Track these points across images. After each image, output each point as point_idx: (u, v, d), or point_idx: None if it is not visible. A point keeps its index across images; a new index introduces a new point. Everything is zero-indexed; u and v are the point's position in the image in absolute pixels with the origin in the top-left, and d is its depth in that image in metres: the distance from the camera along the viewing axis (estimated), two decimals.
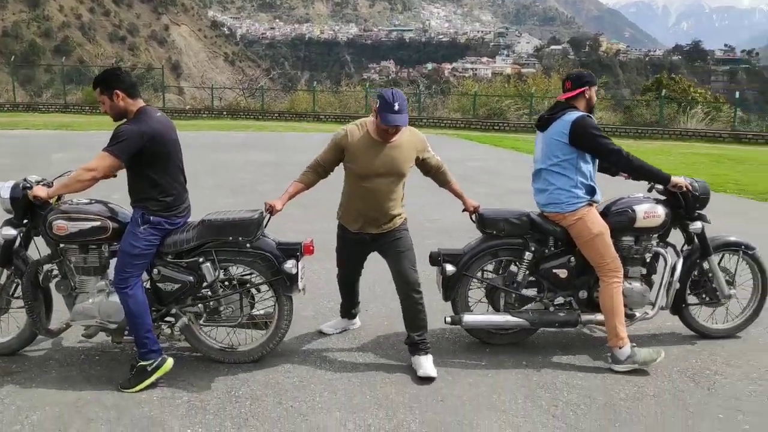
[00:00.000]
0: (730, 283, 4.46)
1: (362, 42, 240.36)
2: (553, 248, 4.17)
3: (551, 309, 4.22)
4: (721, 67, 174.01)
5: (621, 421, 3.39)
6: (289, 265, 3.80)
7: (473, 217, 4.31)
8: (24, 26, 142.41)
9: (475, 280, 4.27)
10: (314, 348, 4.30)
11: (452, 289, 4.22)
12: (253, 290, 3.98)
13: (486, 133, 22.41)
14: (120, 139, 3.53)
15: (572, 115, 3.99)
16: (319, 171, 4.05)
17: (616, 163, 4.13)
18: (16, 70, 29.98)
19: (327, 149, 4.03)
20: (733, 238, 4.49)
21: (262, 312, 4.04)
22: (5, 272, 3.97)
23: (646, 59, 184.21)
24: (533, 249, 4.15)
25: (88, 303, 3.81)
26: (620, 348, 3.95)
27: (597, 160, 4.13)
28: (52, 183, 3.91)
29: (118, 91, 3.62)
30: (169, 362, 3.71)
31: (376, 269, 4.49)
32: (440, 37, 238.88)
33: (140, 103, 3.71)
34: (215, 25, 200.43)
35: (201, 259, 3.81)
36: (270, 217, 3.93)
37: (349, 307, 4.55)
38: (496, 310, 4.27)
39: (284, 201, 3.96)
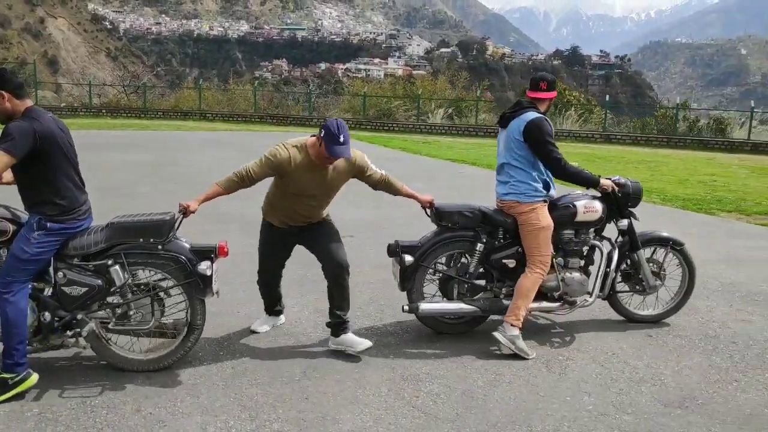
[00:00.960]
0: (657, 274, 4.84)
1: (254, 40, 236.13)
2: (502, 240, 4.46)
3: (501, 296, 4.47)
4: (598, 72, 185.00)
5: (477, 407, 3.57)
6: (204, 266, 3.73)
7: (427, 211, 4.49)
8: None
9: (430, 270, 4.44)
10: None
11: (409, 280, 4.41)
12: (164, 296, 3.86)
13: (376, 133, 22.66)
14: (11, 136, 3.33)
15: (530, 115, 4.30)
16: (246, 182, 4.01)
17: (554, 170, 4.39)
18: None
19: (262, 165, 3.98)
20: (663, 234, 4.89)
21: (171, 321, 3.92)
22: None
23: (530, 63, 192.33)
24: (485, 240, 4.41)
25: None
26: (512, 325, 4.26)
27: None
28: None
29: (4, 92, 3.42)
30: (34, 377, 3.52)
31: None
32: (333, 37, 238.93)
33: (28, 103, 3.52)
34: (96, 19, 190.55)
35: (110, 262, 3.68)
36: (182, 219, 3.81)
37: (274, 305, 4.60)
38: (449, 300, 4.46)
39: (200, 202, 3.87)
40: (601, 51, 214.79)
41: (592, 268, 4.71)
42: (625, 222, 4.72)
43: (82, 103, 26.52)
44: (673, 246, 4.87)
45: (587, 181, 4.52)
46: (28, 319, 3.54)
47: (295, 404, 3.53)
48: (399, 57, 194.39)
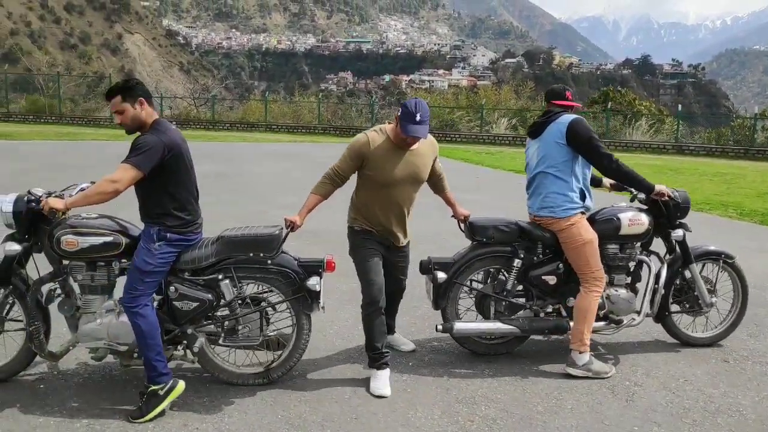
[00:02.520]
0: (711, 291, 4.54)
1: (320, 53, 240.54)
2: (541, 255, 4.21)
3: (541, 314, 4.26)
4: (669, 81, 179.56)
5: None
6: (313, 281, 3.67)
7: (462, 225, 4.32)
8: None
9: (465, 287, 4.27)
10: None
11: (443, 297, 4.20)
12: (271, 310, 3.82)
13: (438, 144, 22.46)
14: (142, 150, 3.33)
15: (568, 117, 4.06)
16: (337, 181, 3.91)
17: (606, 168, 4.11)
18: None
19: (346, 157, 3.89)
20: (712, 248, 4.56)
21: (274, 333, 3.87)
22: (1, 291, 3.66)
23: (598, 72, 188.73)
24: (522, 256, 4.17)
25: (96, 324, 3.57)
26: (580, 353, 4.02)
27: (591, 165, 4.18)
28: (63, 195, 3.66)
29: (143, 99, 3.44)
30: (181, 385, 3.50)
31: None
32: (397, 49, 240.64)
33: (156, 114, 3.54)
34: (170, 34, 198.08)
35: (220, 276, 3.63)
36: (287, 234, 3.76)
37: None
38: (486, 318, 4.27)
39: (304, 215, 3.82)
40: (673, 60, 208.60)
41: (640, 285, 4.43)
42: (680, 233, 4.40)
43: None
44: (725, 260, 4.53)
45: (641, 185, 4.22)
46: None
47: (344, 424, 3.40)
48: (463, 68, 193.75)
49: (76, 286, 3.64)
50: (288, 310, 3.82)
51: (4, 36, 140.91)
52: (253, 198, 10.33)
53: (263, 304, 3.76)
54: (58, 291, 3.67)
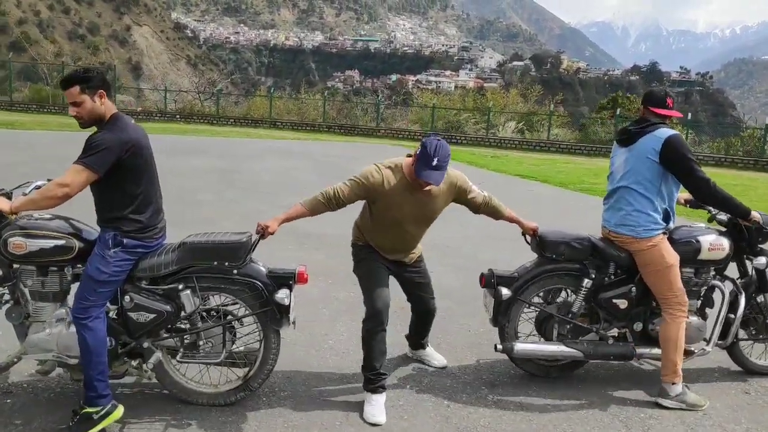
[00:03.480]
0: None
1: (328, 50, 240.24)
2: (613, 276, 3.92)
3: (610, 341, 3.96)
4: (677, 89, 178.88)
5: None
6: (282, 295, 3.36)
7: (528, 238, 4.05)
8: None
9: (528, 306, 3.99)
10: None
11: (504, 315, 3.92)
12: (236, 324, 3.53)
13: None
14: (97, 149, 3.04)
15: (666, 132, 3.70)
16: (332, 205, 3.60)
17: (701, 193, 3.80)
18: None
19: (353, 187, 3.58)
20: None
21: (242, 348, 3.59)
22: None
23: (606, 78, 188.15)
24: (593, 276, 3.88)
25: (45, 334, 3.29)
26: (673, 384, 3.77)
27: (680, 185, 3.84)
28: (11, 194, 3.38)
29: (104, 91, 3.16)
30: (119, 410, 3.22)
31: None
32: (405, 48, 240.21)
33: (114, 108, 3.24)
34: (178, 27, 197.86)
35: (180, 286, 3.34)
36: (259, 240, 3.45)
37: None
38: (547, 339, 4.00)
39: (280, 222, 3.50)
40: (681, 67, 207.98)
41: (710, 311, 4.14)
42: (763, 261, 4.10)
43: (157, 108, 27.17)
44: None
45: (737, 210, 3.89)
46: None
47: None
48: (470, 69, 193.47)
49: (26, 292, 3.33)
50: (255, 324, 3.52)
51: (13, 25, 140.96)
52: (252, 196, 10.08)
53: (229, 317, 3.48)
54: (6, 297, 3.39)
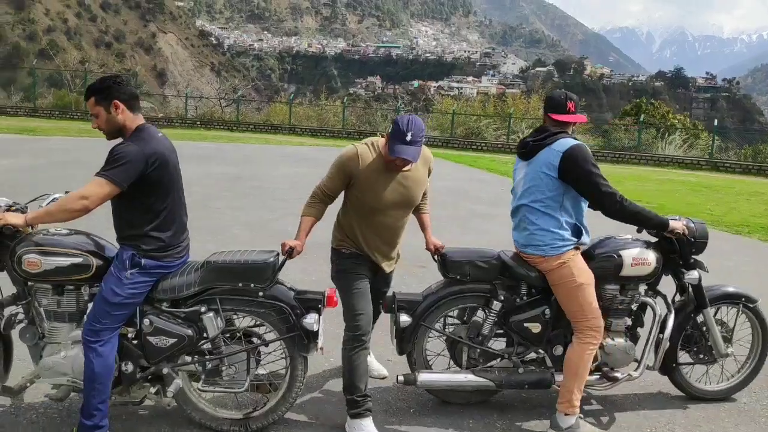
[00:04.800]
0: (728, 339, 3.92)
1: (350, 57, 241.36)
2: (525, 297, 3.59)
3: (520, 369, 3.62)
4: (703, 95, 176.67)
5: None
6: (310, 320, 3.17)
7: (435, 257, 3.75)
8: (8, 28, 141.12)
9: (433, 332, 3.68)
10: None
11: (408, 342, 3.61)
12: (262, 348, 3.34)
13: (463, 152, 22.00)
14: (120, 162, 2.87)
15: (565, 143, 3.34)
16: (326, 200, 3.47)
17: (608, 210, 3.42)
18: None
19: (333, 175, 3.42)
20: (731, 289, 3.92)
21: (267, 373, 3.40)
22: None
23: (630, 84, 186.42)
24: (502, 298, 3.57)
25: (60, 357, 3.09)
26: (566, 415, 3.40)
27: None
28: (26, 208, 3.23)
29: (118, 102, 2.98)
30: None
31: None
32: (427, 55, 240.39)
33: (140, 119, 3.06)
34: (203, 35, 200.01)
35: (203, 309, 3.15)
36: (285, 260, 3.27)
37: None
38: (458, 365, 3.69)
39: (303, 239, 3.35)
40: (707, 73, 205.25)
41: (641, 331, 3.78)
42: (695, 275, 3.70)
43: (178, 114, 27.28)
44: (746, 304, 3.87)
45: (652, 223, 3.54)
46: None
47: None
48: (493, 75, 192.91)
49: (41, 312, 3.13)
50: (281, 350, 3.30)
51: (42, 33, 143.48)
52: (263, 203, 9.94)
53: (254, 341, 3.26)
54: (21, 316, 3.18)
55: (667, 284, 3.83)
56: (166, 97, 41.69)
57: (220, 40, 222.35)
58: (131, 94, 3.04)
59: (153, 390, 3.20)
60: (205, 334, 3.17)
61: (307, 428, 3.42)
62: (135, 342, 3.16)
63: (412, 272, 6.54)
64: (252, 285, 3.16)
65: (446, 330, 3.72)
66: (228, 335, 3.27)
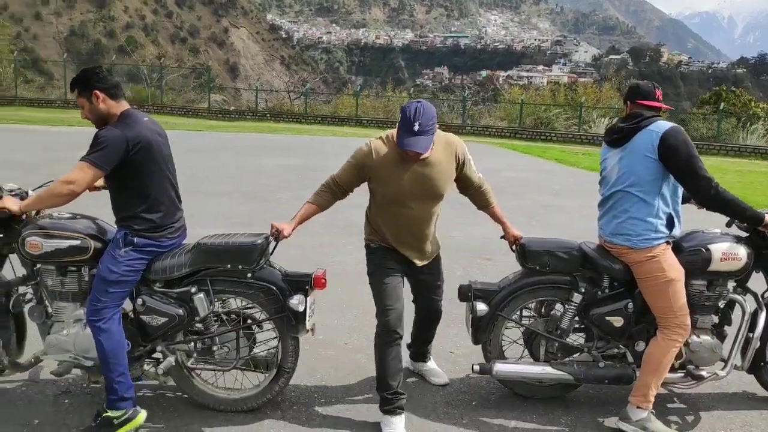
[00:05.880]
0: None
1: (417, 48, 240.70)
2: (607, 290, 3.48)
3: (601, 363, 3.51)
4: None
5: None
6: (295, 301, 3.22)
7: (513, 247, 3.67)
8: (90, 26, 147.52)
9: (511, 322, 3.62)
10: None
11: (484, 332, 3.57)
12: (255, 328, 3.44)
13: (532, 143, 21.60)
14: (100, 146, 3.00)
15: (663, 125, 3.25)
16: (336, 192, 3.43)
17: (703, 195, 3.29)
18: (80, 68, 30.54)
19: (347, 168, 3.38)
20: None
21: (264, 353, 3.49)
22: None
23: (709, 71, 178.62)
24: (583, 290, 3.48)
25: (63, 334, 3.26)
26: (638, 408, 3.31)
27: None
28: (28, 194, 3.42)
29: (98, 92, 3.09)
30: (142, 415, 3.16)
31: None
32: (496, 44, 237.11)
33: (124, 105, 3.17)
34: (273, 29, 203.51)
35: (193, 290, 3.26)
36: (276, 244, 3.34)
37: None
38: (535, 358, 3.63)
39: (294, 225, 3.36)
40: None
41: (729, 329, 3.61)
42: None
43: (249, 107, 27.88)
44: None
45: (746, 215, 3.33)
46: None
47: None
48: (564, 64, 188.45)
49: (46, 292, 3.32)
50: (273, 330, 3.37)
51: (121, 29, 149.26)
52: None
53: (247, 321, 3.35)
54: (30, 296, 3.38)
55: (757, 282, 3.64)
56: (238, 91, 42.65)
57: (289, 33, 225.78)
58: (111, 83, 3.15)
59: (147, 368, 3.33)
60: (196, 315, 3.27)
61: (345, 424, 3.43)
62: (131, 323, 3.29)
63: (476, 264, 6.48)
64: (240, 266, 3.24)
65: (522, 322, 3.66)
66: (220, 316, 3.37)
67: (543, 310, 3.68)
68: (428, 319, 3.74)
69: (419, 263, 3.50)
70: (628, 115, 3.42)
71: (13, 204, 3.15)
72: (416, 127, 3.08)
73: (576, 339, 3.62)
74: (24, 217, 3.28)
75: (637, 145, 3.28)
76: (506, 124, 24.91)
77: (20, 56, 34.14)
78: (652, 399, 3.31)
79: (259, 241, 3.25)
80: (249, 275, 3.27)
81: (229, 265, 3.25)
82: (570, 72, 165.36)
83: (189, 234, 3.47)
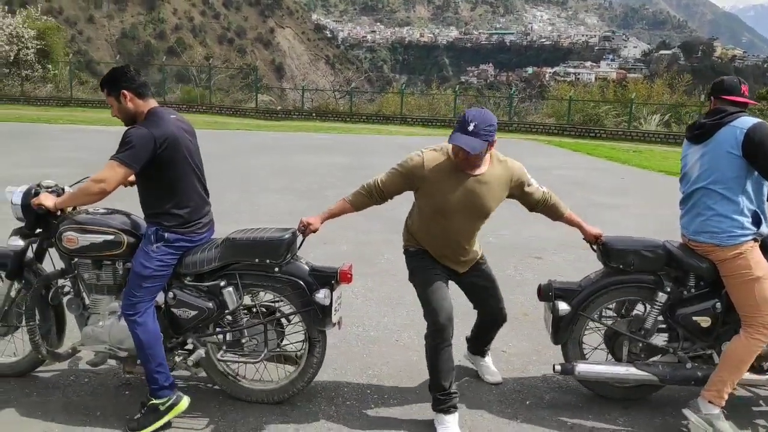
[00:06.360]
0: None
1: (462, 45, 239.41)
2: (693, 289, 3.42)
3: (688, 364, 3.44)
4: None
5: None
6: (321, 295, 3.26)
7: (594, 246, 3.62)
8: (141, 28, 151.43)
9: (593, 322, 3.59)
10: (324, 390, 3.77)
11: (565, 331, 3.53)
12: (284, 320, 3.49)
13: (580, 140, 21.25)
14: (129, 145, 3.09)
15: (748, 121, 3.19)
16: (375, 197, 3.41)
17: None
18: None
19: (393, 175, 3.37)
20: None
21: (291, 347, 3.54)
22: (15, 285, 3.56)
23: (765, 66, 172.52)
24: (669, 289, 3.41)
25: (99, 326, 3.38)
26: (710, 403, 3.24)
27: None
28: (64, 190, 3.55)
29: (126, 92, 3.19)
30: (185, 401, 3.26)
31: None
32: (542, 40, 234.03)
33: (152, 103, 3.26)
34: (318, 29, 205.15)
35: (223, 283, 3.33)
36: (304, 238, 3.39)
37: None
38: (617, 359, 3.58)
39: (323, 219, 3.39)
40: None
41: None
42: None
43: (295, 107, 28.16)
44: None
45: None
46: None
47: None
48: (612, 60, 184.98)
49: (83, 285, 3.44)
50: (301, 324, 3.41)
51: (170, 31, 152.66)
52: None
53: (276, 314, 3.41)
54: (68, 288, 3.51)
55: None
56: (284, 91, 43.12)
57: (334, 33, 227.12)
58: (138, 83, 3.22)
59: (179, 359, 3.41)
60: (226, 308, 3.33)
61: (398, 422, 3.43)
62: (162, 316, 3.36)
63: (526, 263, 6.41)
64: (268, 261, 3.28)
65: (605, 323, 3.60)
66: (249, 309, 3.44)
67: (624, 310, 3.63)
68: (491, 321, 3.73)
69: (460, 271, 3.52)
70: (710, 111, 3.35)
71: (49, 201, 3.28)
72: (471, 127, 3.08)
73: (659, 339, 3.55)
74: (59, 213, 3.39)
75: (719, 141, 3.22)
76: (554, 121, 24.56)
77: (75, 59, 35.15)
78: (726, 397, 3.23)
79: (287, 236, 3.29)
80: (276, 269, 3.32)
81: (257, 260, 3.30)
82: (618, 68, 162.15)
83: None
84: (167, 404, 3.20)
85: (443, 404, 3.27)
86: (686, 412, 3.28)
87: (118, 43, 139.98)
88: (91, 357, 3.48)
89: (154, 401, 3.20)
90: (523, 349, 4.27)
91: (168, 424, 3.20)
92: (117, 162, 3.09)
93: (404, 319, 4.76)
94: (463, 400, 3.49)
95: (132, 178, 3.37)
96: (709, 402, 3.23)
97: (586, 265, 3.84)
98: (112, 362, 3.54)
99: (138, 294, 3.19)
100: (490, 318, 3.69)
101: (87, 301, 3.47)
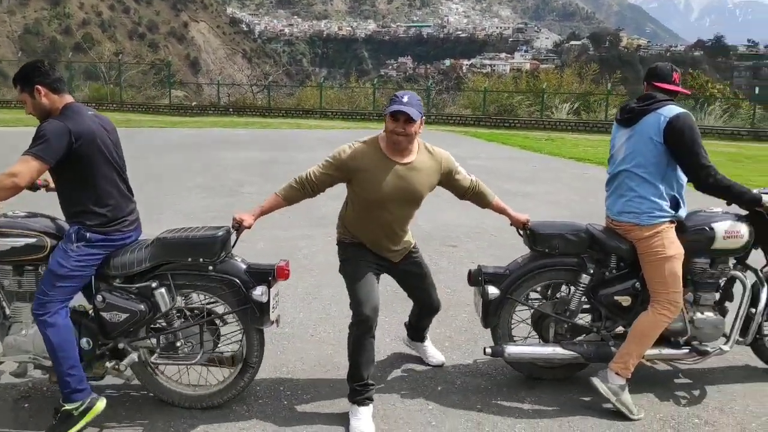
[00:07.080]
0: None
1: (380, 38, 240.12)
2: (615, 270, 3.58)
3: (611, 342, 3.59)
4: (744, 63, 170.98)
5: None
6: (259, 292, 3.19)
7: (521, 231, 3.73)
8: (45, 23, 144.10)
9: (520, 305, 3.69)
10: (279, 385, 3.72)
11: (494, 315, 3.62)
12: (219, 321, 3.40)
13: (495, 130, 21.77)
14: (43, 138, 2.95)
15: (673, 110, 3.34)
16: (308, 189, 3.41)
17: (701, 183, 3.39)
18: None
19: (324, 167, 3.39)
20: None
21: (227, 348, 3.45)
22: None
23: (668, 55, 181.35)
24: (592, 271, 3.56)
25: (21, 335, 3.19)
26: (617, 374, 3.41)
27: None
28: None
29: (40, 87, 3.05)
30: (101, 403, 3.12)
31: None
32: (458, 33, 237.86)
33: (67, 98, 3.13)
34: (234, 22, 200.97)
35: (154, 285, 3.20)
36: (238, 236, 3.32)
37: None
38: (544, 340, 3.71)
39: (256, 216, 3.35)
40: (748, 41, 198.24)
41: (730, 306, 3.73)
42: None
43: (211, 102, 27.53)
44: None
45: (744, 198, 3.47)
46: None
47: None
48: (526, 51, 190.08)
49: (3, 293, 3.25)
50: (237, 324, 3.35)
51: (77, 26, 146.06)
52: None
53: (211, 315, 3.33)
54: None
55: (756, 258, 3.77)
56: (200, 86, 42.09)
57: (251, 26, 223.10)
58: (53, 77, 3.11)
59: (110, 365, 3.28)
60: (158, 311, 3.23)
61: (312, 416, 3.43)
62: (92, 320, 3.24)
63: (441, 252, 6.52)
64: (201, 260, 3.20)
65: (532, 306, 3.73)
66: (183, 311, 3.34)
67: (549, 292, 3.76)
68: (427, 309, 3.82)
69: (394, 260, 3.57)
70: (642, 96, 3.51)
71: None
72: (405, 99, 3.21)
73: (584, 320, 3.70)
74: None
75: (644, 126, 3.38)
76: (470, 112, 25.06)
77: None
78: (631, 369, 3.40)
79: (220, 234, 3.22)
80: (211, 268, 3.23)
81: (190, 259, 3.21)
82: (532, 59, 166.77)
83: (156, 230, 3.42)
84: (81, 409, 3.07)
85: (359, 395, 3.29)
86: (594, 380, 3.44)
87: (20, 40, 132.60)
88: (14, 368, 3.30)
89: (67, 407, 3.07)
90: (438, 336, 4.34)
91: (84, 429, 3.07)
92: (30, 156, 2.95)
93: (320, 313, 4.76)
94: (377, 390, 3.52)
95: (52, 185, 3.23)
96: (616, 374, 3.40)
97: (500, 251, 3.97)
98: (8, 375, 3.36)
99: (50, 293, 3.04)
100: (426, 306, 3.78)
101: (7, 310, 3.26)
